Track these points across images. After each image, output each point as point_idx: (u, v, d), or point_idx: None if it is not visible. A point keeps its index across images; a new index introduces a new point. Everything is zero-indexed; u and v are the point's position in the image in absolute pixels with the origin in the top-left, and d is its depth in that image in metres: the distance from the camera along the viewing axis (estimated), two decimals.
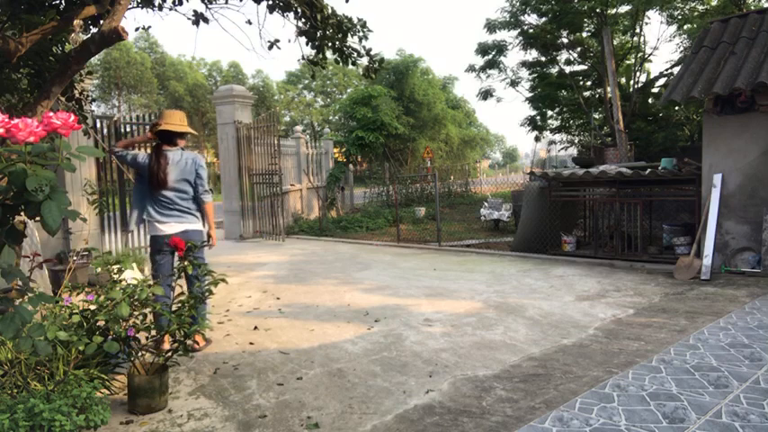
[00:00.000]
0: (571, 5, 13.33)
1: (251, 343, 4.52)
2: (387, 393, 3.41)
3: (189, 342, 3.48)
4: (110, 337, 3.11)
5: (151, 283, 3.54)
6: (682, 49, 14.51)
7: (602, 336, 4.41)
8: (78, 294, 3.85)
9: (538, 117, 17.19)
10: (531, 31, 15.01)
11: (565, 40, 14.99)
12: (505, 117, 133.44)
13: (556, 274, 7.01)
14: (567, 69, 15.83)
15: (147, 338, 3.52)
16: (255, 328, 4.96)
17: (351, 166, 17.65)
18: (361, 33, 6.05)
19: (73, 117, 1.85)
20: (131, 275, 6.04)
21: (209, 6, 5.87)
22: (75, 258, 6.44)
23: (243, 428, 2.99)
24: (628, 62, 15.48)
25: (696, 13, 13.61)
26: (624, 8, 13.84)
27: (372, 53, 6.22)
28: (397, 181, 15.58)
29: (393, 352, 4.19)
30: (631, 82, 15.03)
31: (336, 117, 35.39)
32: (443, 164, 25.07)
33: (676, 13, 13.90)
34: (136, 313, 3.27)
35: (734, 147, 6.61)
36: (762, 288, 5.72)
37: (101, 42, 3.59)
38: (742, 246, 6.56)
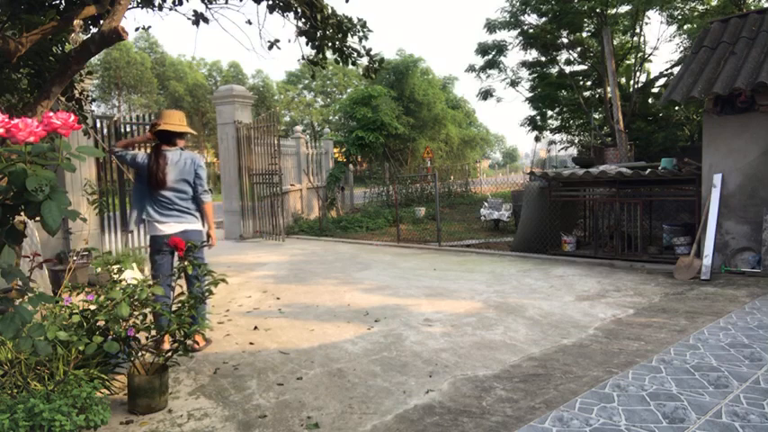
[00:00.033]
0: (571, 5, 13.33)
1: (251, 343, 4.52)
2: (387, 393, 3.41)
3: (189, 342, 3.48)
4: (110, 337, 3.12)
5: (151, 283, 3.54)
6: (682, 49, 14.54)
7: (602, 336, 4.41)
8: (78, 294, 3.85)
9: (538, 117, 17.19)
10: (531, 31, 15.01)
11: (565, 40, 14.99)
12: (505, 117, 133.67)
13: (556, 274, 7.01)
14: (567, 69, 15.84)
15: (147, 338, 3.52)
16: (255, 328, 4.96)
17: (351, 166, 17.64)
18: (361, 33, 6.06)
19: (73, 117, 1.85)
20: (131, 275, 6.04)
21: (209, 6, 5.87)
22: (75, 258, 6.44)
23: (243, 428, 2.99)
24: (628, 62, 15.48)
25: (696, 13, 13.61)
26: (624, 8, 13.85)
27: (372, 53, 6.22)
28: (396, 181, 15.57)
29: (393, 352, 4.19)
30: (631, 82, 15.03)
31: (336, 117, 35.40)
32: (443, 164, 25.07)
33: (676, 13, 13.91)
34: (136, 313, 3.28)
35: (734, 147, 6.61)
36: (762, 288, 5.72)
37: (101, 42, 3.60)
38: (742, 246, 6.56)
